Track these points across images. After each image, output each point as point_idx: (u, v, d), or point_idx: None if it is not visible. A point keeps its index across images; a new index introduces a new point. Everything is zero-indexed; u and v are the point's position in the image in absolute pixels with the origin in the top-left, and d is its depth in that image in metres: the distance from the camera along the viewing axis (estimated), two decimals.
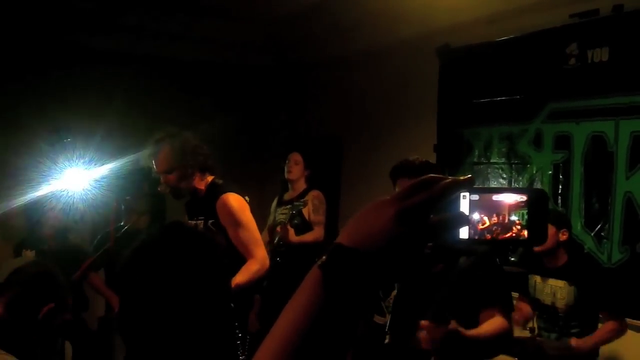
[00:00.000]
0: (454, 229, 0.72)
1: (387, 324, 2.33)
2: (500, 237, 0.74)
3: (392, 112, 5.57)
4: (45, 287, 1.94)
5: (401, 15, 4.99)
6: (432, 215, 0.69)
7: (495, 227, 0.74)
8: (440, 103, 4.98)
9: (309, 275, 0.71)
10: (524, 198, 0.75)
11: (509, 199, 0.75)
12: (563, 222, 3.47)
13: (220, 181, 3.23)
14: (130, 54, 6.15)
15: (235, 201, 3.11)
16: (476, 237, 0.74)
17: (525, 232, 0.74)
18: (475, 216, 0.74)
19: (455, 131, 4.83)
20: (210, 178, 3.24)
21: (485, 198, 0.75)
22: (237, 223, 3.07)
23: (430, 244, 0.70)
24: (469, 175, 0.73)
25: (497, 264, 2.37)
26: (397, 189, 2.38)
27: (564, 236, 3.40)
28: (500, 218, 0.74)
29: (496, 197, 0.75)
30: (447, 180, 0.70)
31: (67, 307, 1.99)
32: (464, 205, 0.74)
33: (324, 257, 0.69)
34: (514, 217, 0.74)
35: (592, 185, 3.82)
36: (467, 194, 0.74)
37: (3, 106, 5.70)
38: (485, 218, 0.74)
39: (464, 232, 0.74)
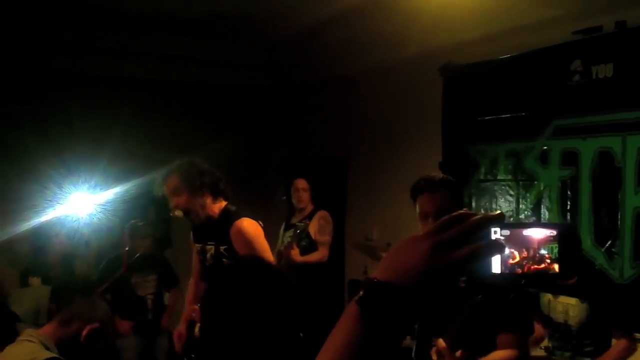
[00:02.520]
0: (486, 257, 0.73)
1: (414, 351, 2.30)
2: (531, 270, 0.76)
3: (396, 130, 5.58)
4: (92, 312, 2.21)
5: (404, 34, 5.02)
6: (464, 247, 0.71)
7: (525, 261, 0.76)
8: (445, 121, 4.98)
9: (346, 310, 0.73)
10: (553, 233, 0.77)
11: (539, 233, 0.77)
12: None
13: (234, 207, 3.19)
14: (132, 78, 6.17)
15: (250, 227, 3.07)
16: (507, 272, 0.76)
17: (556, 266, 0.76)
18: (506, 251, 0.76)
19: (461, 149, 4.83)
20: (223, 203, 3.20)
21: (516, 233, 0.77)
22: (251, 249, 3.02)
23: (465, 278, 0.73)
24: (499, 212, 0.75)
25: (520, 290, 2.33)
26: (417, 207, 2.39)
27: None
28: (531, 252, 0.76)
29: (526, 232, 0.77)
30: (478, 216, 0.73)
31: (108, 333, 2.26)
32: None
33: (360, 293, 0.71)
34: (543, 251, 0.76)
35: (601, 201, 3.80)
36: (497, 229, 0.77)
37: (7, 131, 5.70)
38: (516, 252, 0.76)
39: (496, 267, 0.76)
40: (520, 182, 4.37)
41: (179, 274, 5.21)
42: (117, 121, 5.66)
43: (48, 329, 2.18)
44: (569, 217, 3.99)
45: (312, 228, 5.02)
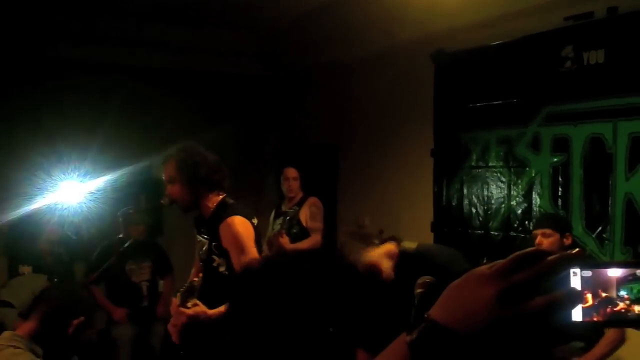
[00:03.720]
0: (566, 309, 0.64)
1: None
2: (609, 314, 0.68)
3: (388, 117, 5.57)
4: (75, 304, 2.14)
5: (396, 21, 5.00)
6: (537, 296, 0.62)
7: (603, 305, 0.68)
8: (437, 108, 4.98)
9: (393, 347, 0.65)
10: (635, 271, 0.68)
11: (619, 272, 0.68)
12: (566, 226, 3.46)
13: (231, 201, 3.07)
14: (124, 66, 6.12)
15: (240, 225, 2.93)
16: (587, 319, 0.68)
17: (637, 308, 0.68)
18: (587, 294, 0.68)
19: (453, 135, 4.83)
20: (220, 196, 3.06)
21: (598, 273, 0.68)
22: (239, 248, 2.90)
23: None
24: (578, 250, 0.67)
25: None
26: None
27: (568, 240, 3.38)
28: (609, 294, 0.68)
29: (611, 272, 0.68)
30: (556, 256, 0.63)
31: (92, 323, 2.19)
32: (575, 283, 0.68)
33: (414, 334, 0.63)
34: (622, 292, 0.68)
35: (592, 187, 3.82)
36: (578, 270, 0.67)
37: None
38: (589, 295, 0.68)
39: (576, 314, 0.67)
40: (512, 169, 4.38)
41: (171, 261, 5.20)
42: (108, 109, 5.62)
43: (29, 327, 2.08)
44: (560, 204, 4.01)
45: (303, 215, 5.00)
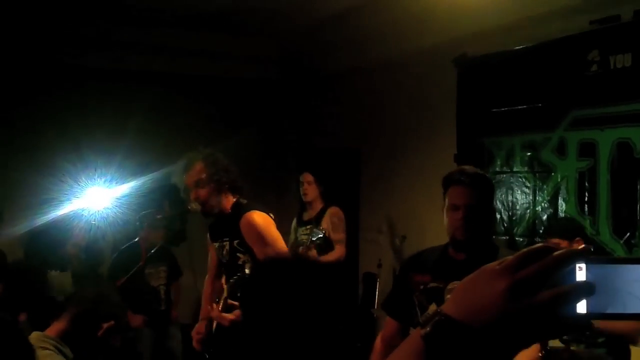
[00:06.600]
0: (575, 301, 0.66)
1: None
2: (621, 311, 0.69)
3: (410, 122, 5.56)
4: (107, 307, 2.14)
5: (418, 25, 4.99)
6: (545, 289, 0.65)
7: (613, 300, 0.69)
8: (460, 113, 4.96)
9: (409, 341, 0.68)
10: None
11: (632, 269, 0.70)
12: (574, 231, 3.41)
13: (245, 201, 3.20)
14: (146, 73, 6.19)
15: (259, 218, 3.06)
16: (595, 311, 0.69)
17: None
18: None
19: (476, 141, 4.80)
20: (234, 198, 3.20)
21: (605, 269, 0.70)
22: (262, 241, 3.01)
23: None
24: (585, 245, 0.70)
25: None
26: (447, 199, 2.36)
27: (580, 244, 3.34)
28: (617, 288, 0.69)
29: (617, 267, 0.70)
30: (562, 251, 0.67)
31: (122, 328, 2.20)
32: (580, 278, 0.69)
33: (428, 328, 0.66)
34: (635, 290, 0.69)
35: (620, 192, 3.77)
36: (583, 265, 0.69)
37: (25, 126, 5.75)
38: (597, 289, 0.69)
39: (581, 306, 0.68)
40: (537, 174, 4.34)
41: (194, 267, 5.24)
42: (133, 115, 5.69)
43: (59, 327, 2.07)
44: (586, 209, 3.97)
45: (325, 225, 4.97)
